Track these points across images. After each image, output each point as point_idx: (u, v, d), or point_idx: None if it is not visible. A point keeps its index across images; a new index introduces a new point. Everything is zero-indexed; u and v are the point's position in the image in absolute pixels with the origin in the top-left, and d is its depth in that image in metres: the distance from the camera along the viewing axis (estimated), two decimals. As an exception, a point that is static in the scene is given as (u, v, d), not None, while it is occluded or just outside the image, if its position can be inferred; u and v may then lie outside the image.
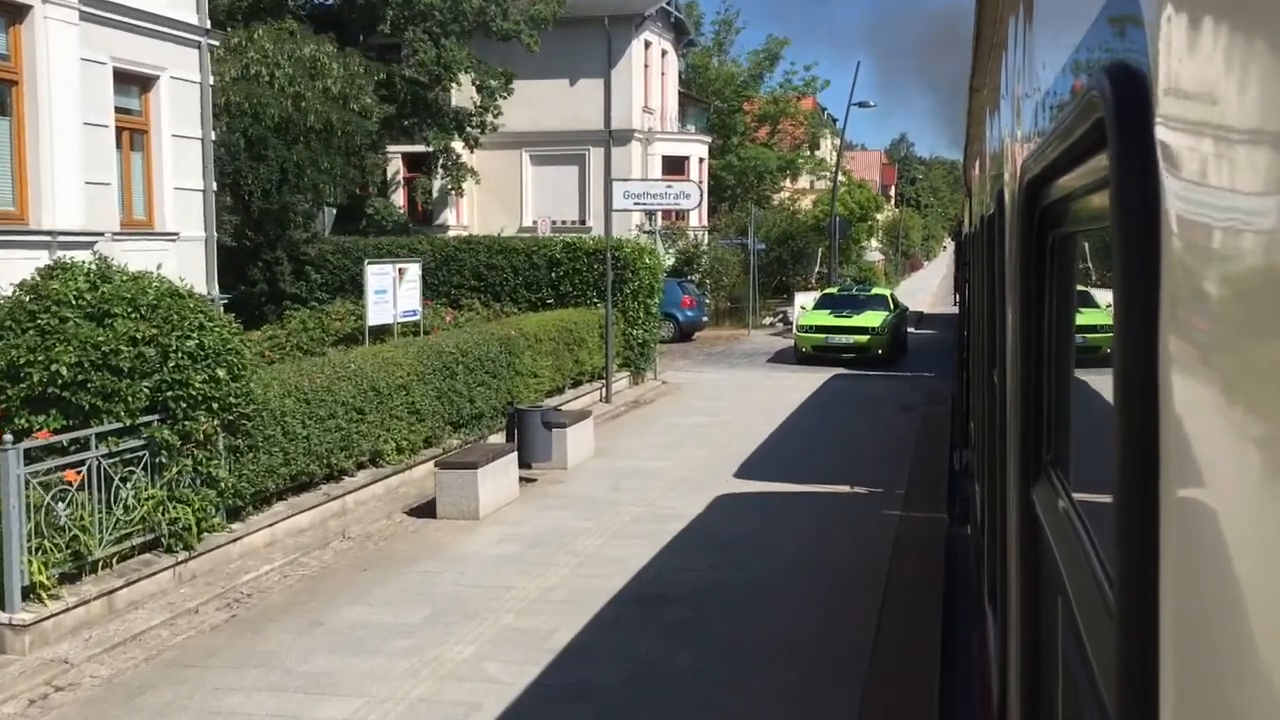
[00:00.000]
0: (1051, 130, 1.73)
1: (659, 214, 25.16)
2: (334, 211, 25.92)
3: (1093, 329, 1.84)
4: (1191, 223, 0.88)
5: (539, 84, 40.20)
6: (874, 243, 65.90)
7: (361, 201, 35.55)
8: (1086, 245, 1.92)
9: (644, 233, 23.88)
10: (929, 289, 62.50)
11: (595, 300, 20.73)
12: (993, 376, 4.08)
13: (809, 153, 55.61)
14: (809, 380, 23.43)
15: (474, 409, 14.89)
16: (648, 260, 21.75)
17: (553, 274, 21.63)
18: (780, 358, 27.92)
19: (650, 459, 15.09)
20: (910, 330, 35.96)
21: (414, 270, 16.43)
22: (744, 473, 14.11)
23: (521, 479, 13.49)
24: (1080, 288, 2.00)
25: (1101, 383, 1.44)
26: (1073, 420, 2.04)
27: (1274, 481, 0.68)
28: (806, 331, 26.87)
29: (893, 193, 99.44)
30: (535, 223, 37.51)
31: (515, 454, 12.94)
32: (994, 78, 4.36)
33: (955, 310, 26.30)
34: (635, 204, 20.44)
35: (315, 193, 22.66)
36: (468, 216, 42.26)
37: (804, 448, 15.87)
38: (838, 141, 48.10)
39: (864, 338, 26.21)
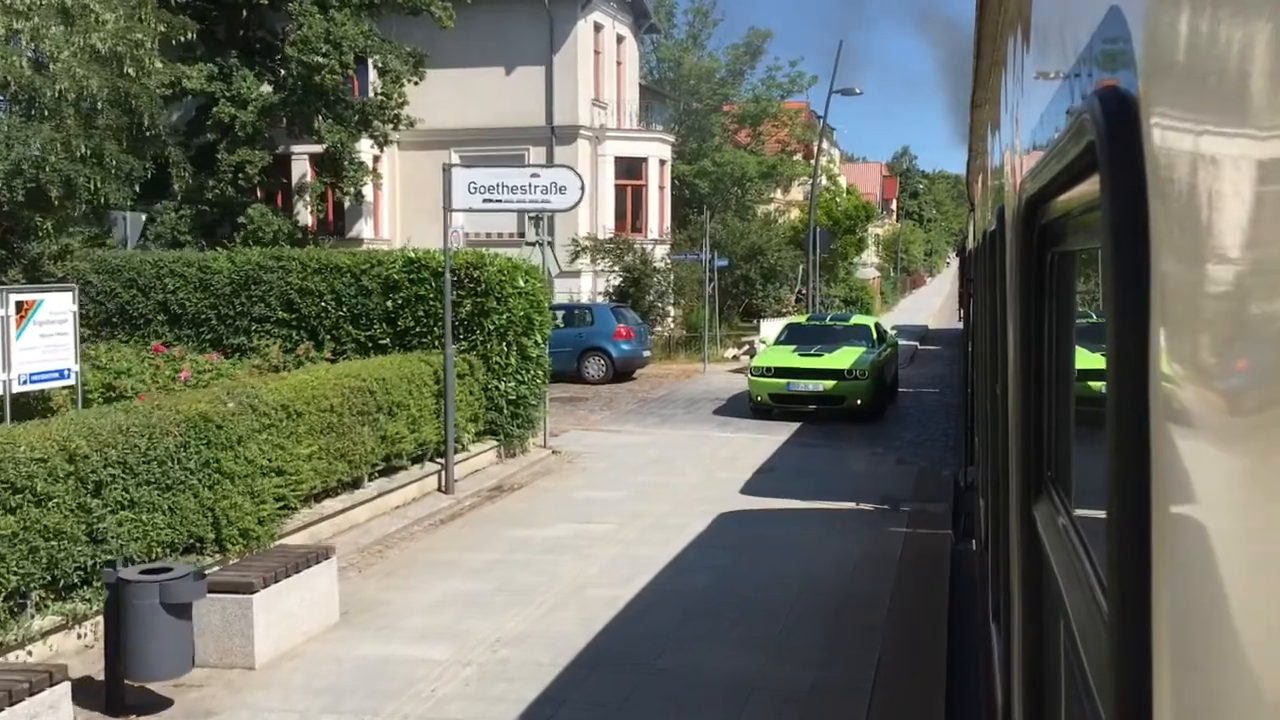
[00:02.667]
0: (1047, 151, 1.74)
1: (551, 217, 18.66)
2: (140, 218, 19.45)
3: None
4: (1180, 244, 0.89)
5: (469, 73, 34.18)
6: (870, 258, 59.36)
7: (239, 208, 29.37)
8: (1084, 265, 1.91)
9: (529, 244, 17.42)
10: (931, 309, 56.19)
11: (456, 338, 14.36)
12: (995, 391, 4.00)
13: (800, 159, 49.04)
14: (760, 446, 16.86)
15: (105, 552, 8.37)
16: (522, 283, 15.25)
17: (389, 303, 15.19)
18: (733, 407, 21.33)
19: (425, 636, 8.54)
20: (917, 346, 29.52)
21: (57, 303, 9.84)
22: (564, 683, 7.55)
23: (148, 709, 7.01)
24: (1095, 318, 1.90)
25: (1100, 401, 1.35)
26: (1073, 438, 2.03)
27: (1265, 499, 0.69)
28: (763, 375, 20.15)
29: (894, 206, 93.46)
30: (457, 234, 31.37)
31: (63, 686, 6.39)
32: (994, 93, 4.28)
33: (959, 326, 21.52)
34: (485, 201, 14.01)
35: (67, 188, 16.19)
36: (388, 227, 36.10)
37: (699, 604, 9.31)
38: (827, 144, 41.55)
39: (831, 383, 19.55)
